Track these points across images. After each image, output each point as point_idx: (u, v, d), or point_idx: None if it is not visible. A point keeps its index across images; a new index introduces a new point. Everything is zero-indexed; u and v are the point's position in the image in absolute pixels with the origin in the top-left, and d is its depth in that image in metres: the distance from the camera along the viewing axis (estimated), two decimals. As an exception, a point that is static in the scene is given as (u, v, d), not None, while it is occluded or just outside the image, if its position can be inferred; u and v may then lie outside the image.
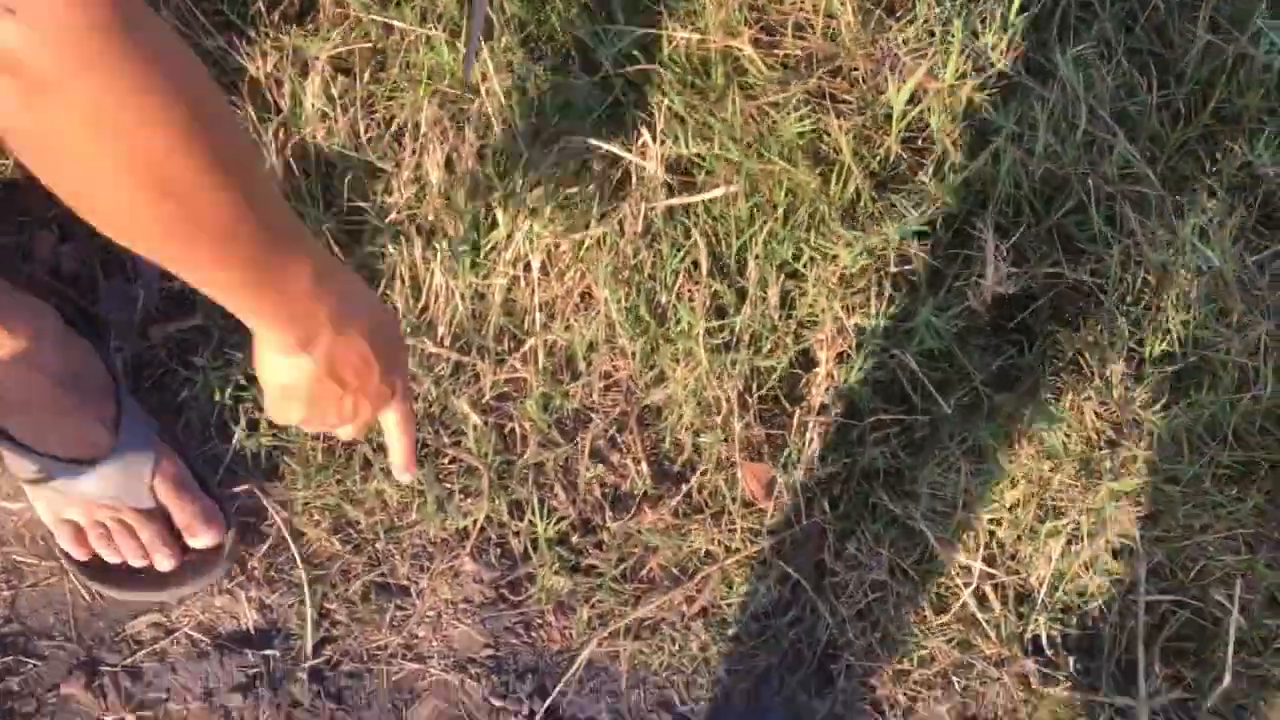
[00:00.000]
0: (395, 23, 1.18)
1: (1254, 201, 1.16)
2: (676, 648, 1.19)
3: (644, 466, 1.21)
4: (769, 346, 1.19)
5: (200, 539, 1.14)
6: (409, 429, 0.90)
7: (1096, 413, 1.12)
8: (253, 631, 1.15)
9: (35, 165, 0.56)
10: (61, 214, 1.21)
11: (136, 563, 1.14)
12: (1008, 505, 1.17)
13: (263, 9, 1.20)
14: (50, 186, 0.58)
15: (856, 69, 1.22)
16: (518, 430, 1.21)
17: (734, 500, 1.19)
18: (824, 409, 1.17)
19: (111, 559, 1.14)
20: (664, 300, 1.19)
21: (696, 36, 1.19)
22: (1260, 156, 1.18)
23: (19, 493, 1.15)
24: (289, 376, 0.77)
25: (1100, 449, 1.13)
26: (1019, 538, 1.19)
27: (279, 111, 1.20)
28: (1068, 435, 1.13)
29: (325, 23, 1.20)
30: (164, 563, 1.14)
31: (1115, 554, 1.18)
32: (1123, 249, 1.13)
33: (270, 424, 1.16)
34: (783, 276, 1.17)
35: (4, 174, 1.21)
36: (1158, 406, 1.11)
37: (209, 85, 0.60)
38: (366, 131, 1.19)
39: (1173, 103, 1.22)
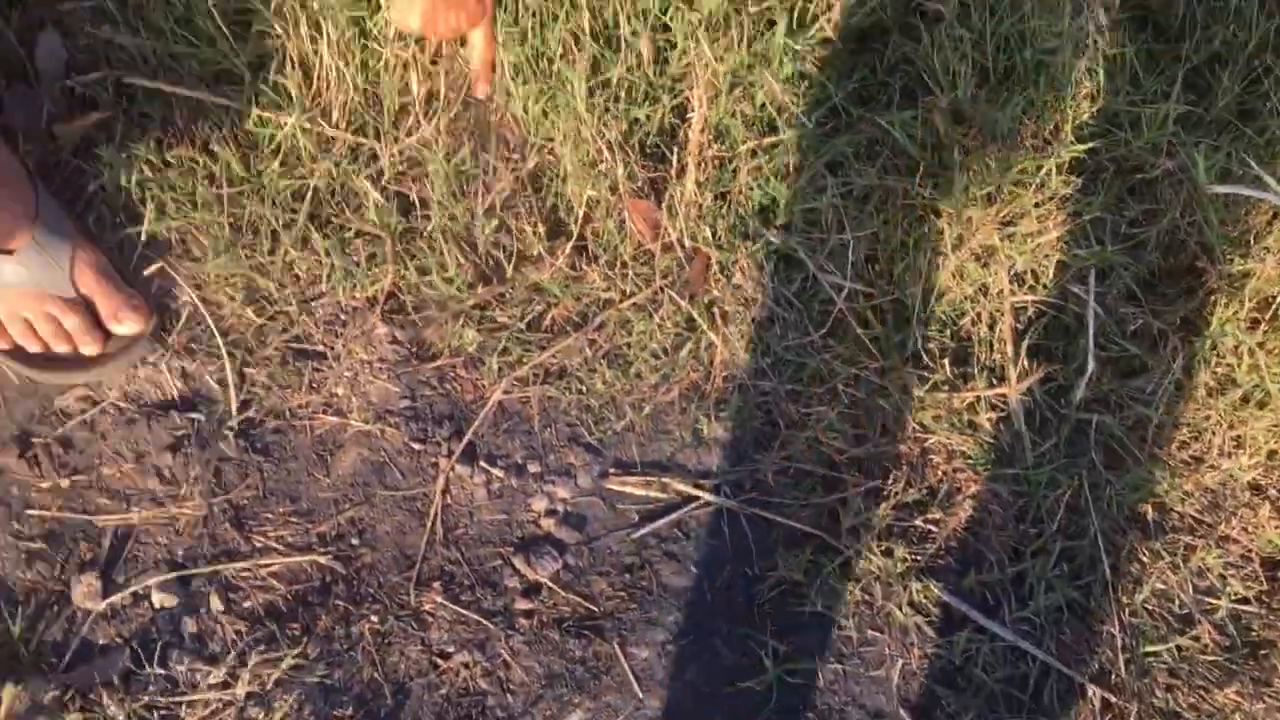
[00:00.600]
0: None
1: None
2: (583, 388, 1.26)
3: (539, 226, 1.28)
4: (646, 100, 1.26)
5: (125, 326, 1.19)
6: (490, 46, 1.18)
7: (945, 117, 1.20)
8: (177, 398, 1.21)
9: None
10: (-43, 32, 1.25)
11: (60, 349, 1.19)
12: (878, 223, 1.26)
13: None
14: None
15: None
16: (416, 201, 1.28)
17: (624, 244, 1.26)
18: (700, 148, 1.25)
19: (32, 348, 1.19)
20: (542, 66, 1.26)
21: None
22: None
23: (-61, 289, 1.20)
24: None
25: (951, 153, 1.22)
26: (892, 256, 1.28)
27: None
28: (921, 143, 1.22)
29: None
30: (89, 348, 1.19)
31: (979, 260, 1.28)
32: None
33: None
34: (652, 29, 1.25)
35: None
36: (1000, 104, 1.20)
37: None
38: (245, -76, 1.25)
39: None
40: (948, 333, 1.29)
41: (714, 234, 1.27)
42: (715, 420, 1.26)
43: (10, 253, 1.15)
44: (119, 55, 1.26)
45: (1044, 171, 1.23)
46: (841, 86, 1.24)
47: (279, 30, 1.24)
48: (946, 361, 1.27)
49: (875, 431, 1.27)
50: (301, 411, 1.22)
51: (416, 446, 1.22)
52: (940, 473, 1.27)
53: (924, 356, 1.28)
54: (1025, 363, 1.26)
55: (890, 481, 1.25)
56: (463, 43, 1.24)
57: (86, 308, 1.19)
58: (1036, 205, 1.25)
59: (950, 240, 1.26)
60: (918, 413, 1.27)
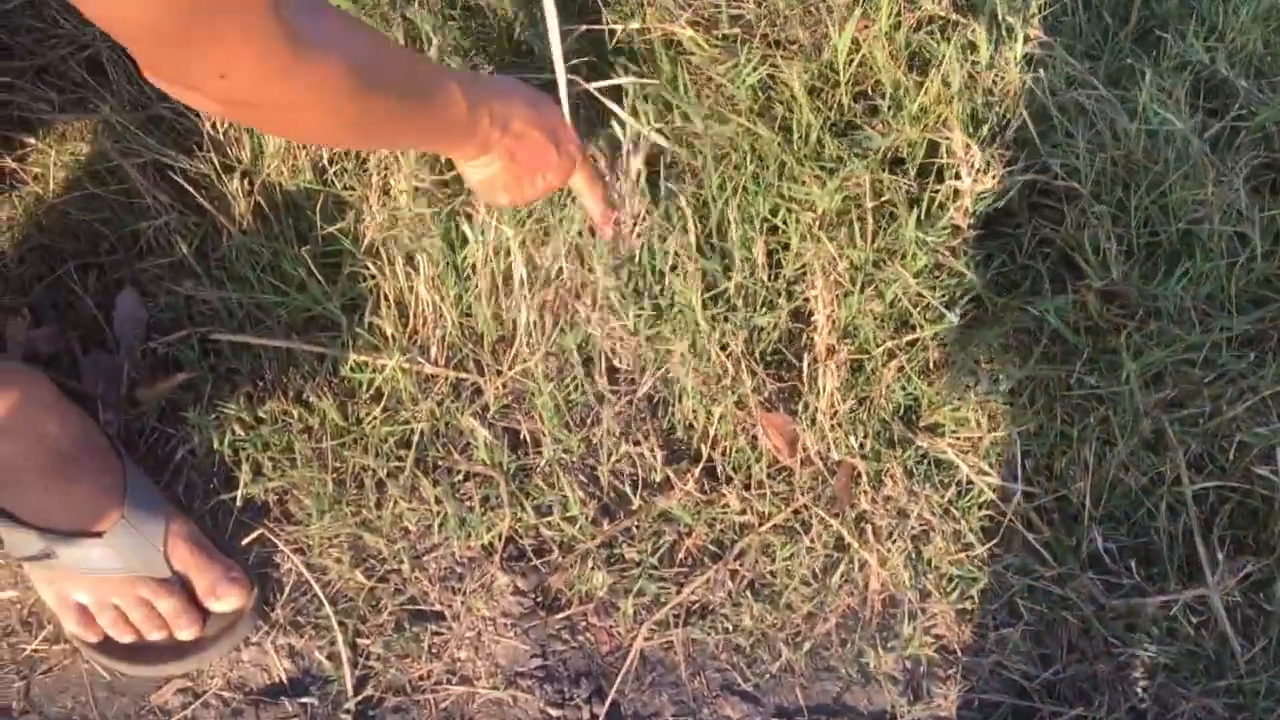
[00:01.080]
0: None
1: (1191, 82, 1.19)
2: (730, 626, 1.13)
3: (657, 451, 1.17)
4: (764, 306, 1.18)
5: (225, 602, 1.08)
6: (596, 187, 1.09)
7: (1099, 298, 1.11)
8: (286, 681, 1.08)
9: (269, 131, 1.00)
10: (30, 300, 1.19)
11: (154, 636, 1.07)
12: (1032, 417, 1.15)
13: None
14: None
15: (795, 40, 1.25)
16: (527, 436, 1.18)
17: (759, 460, 1.16)
18: (830, 352, 1.16)
19: (124, 639, 1.07)
20: (650, 282, 1.18)
21: (636, 25, 1.22)
22: (1192, 46, 1.23)
23: (16, 580, 1.09)
24: (485, 174, 0.98)
25: (1110, 336, 1.12)
26: (1050, 450, 1.17)
27: (239, 163, 1.21)
28: (1074, 328, 1.12)
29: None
30: (186, 633, 1.07)
31: (1151, 448, 1.16)
32: (1087, 142, 1.15)
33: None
34: (764, 232, 1.18)
35: (-30, 274, 1.19)
36: (1156, 283, 1.11)
37: (365, 38, 0.78)
38: (332, 164, 1.20)
39: (1099, 19, 1.27)
40: (1124, 529, 1.16)
41: (857, 443, 1.16)
42: (882, 651, 1.12)
43: (99, 535, 1.05)
44: (201, 310, 1.19)
45: (1210, 347, 1.13)
46: (980, 274, 1.15)
47: (372, 270, 1.17)
48: (1132, 563, 1.14)
49: (1063, 649, 1.13)
50: (423, 684, 1.09)
51: (554, 712, 1.09)
52: (1142, 691, 1.12)
53: (1104, 558, 1.15)
54: (1220, 557, 1.13)
55: (1092, 708, 1.10)
56: (572, 196, 1.16)
57: (182, 586, 1.08)
58: (1207, 384, 1.14)
59: (1116, 428, 1.15)
60: (1107, 624, 1.13)
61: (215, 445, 1.13)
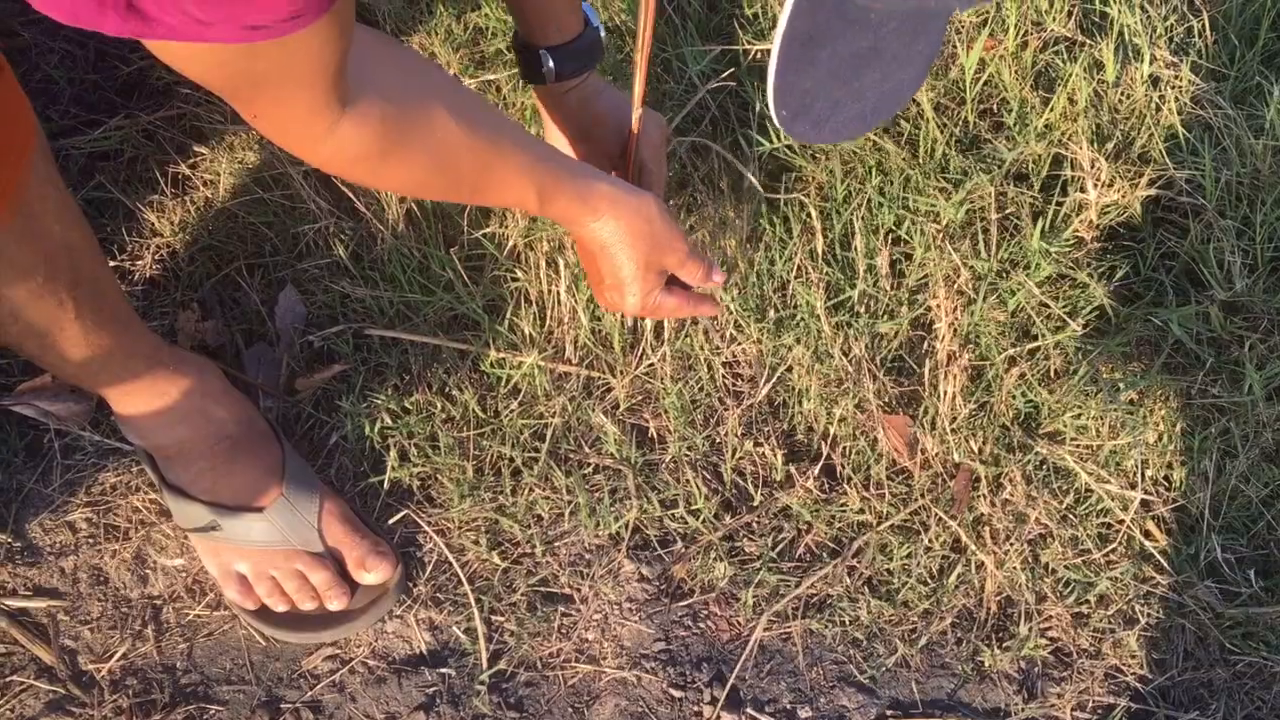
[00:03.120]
0: (490, 76, 1.28)
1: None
2: (848, 619, 1.17)
3: (778, 450, 1.22)
4: (886, 314, 1.22)
5: (372, 575, 1.15)
6: (700, 262, 1.02)
7: (1222, 310, 1.13)
8: (426, 653, 1.15)
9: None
10: (200, 296, 1.29)
11: (306, 606, 1.15)
12: (1154, 426, 1.17)
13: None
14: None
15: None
16: (654, 432, 1.24)
17: (878, 461, 1.20)
18: (952, 358, 1.19)
19: (279, 607, 1.15)
20: (772, 290, 1.23)
21: (767, 46, 1.28)
22: (1322, 65, 1.24)
23: (183, 550, 1.18)
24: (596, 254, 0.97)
25: (1233, 349, 1.14)
26: (1170, 461, 1.18)
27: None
28: (1197, 338, 1.14)
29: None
30: (336, 603, 1.15)
31: (1272, 460, 1.17)
32: (1213, 159, 1.17)
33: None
34: (889, 243, 1.22)
35: (144, 271, 1.30)
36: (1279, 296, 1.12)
37: (452, 89, 0.84)
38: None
39: (1227, 40, 1.29)
40: (1244, 540, 1.17)
41: (975, 448, 1.19)
42: (998, 650, 1.15)
43: (260, 510, 1.13)
44: (355, 308, 1.27)
45: (1336, 359, 1.14)
46: (1103, 286, 1.18)
47: (516, 273, 1.24)
48: (1252, 573, 1.15)
49: (1179, 656, 1.14)
50: (553, 660, 1.15)
51: (676, 694, 1.14)
52: (1259, 701, 1.13)
53: (1222, 568, 1.16)
54: (1341, 569, 1.13)
55: (1208, 713, 1.11)
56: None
57: (333, 560, 1.16)
58: (1332, 396, 1.15)
59: (1238, 439, 1.16)
60: (1224, 632, 1.14)
61: (366, 432, 1.21)
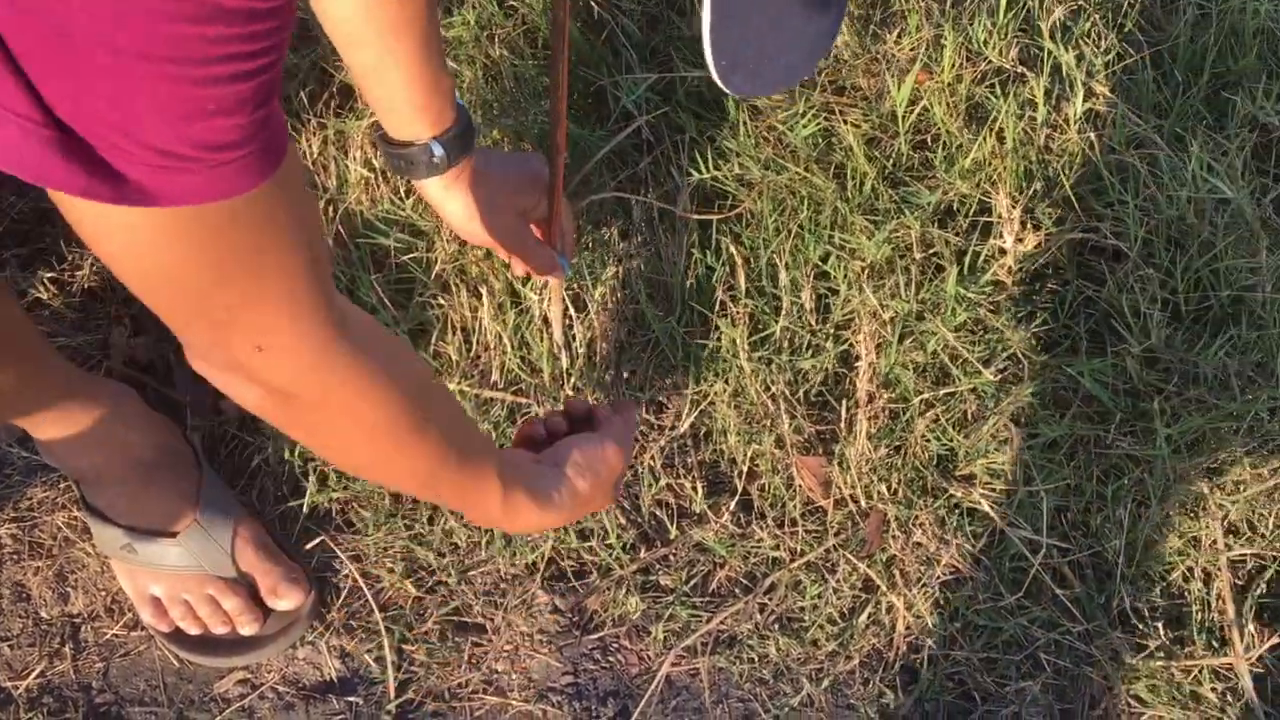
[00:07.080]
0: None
1: (1261, 146, 1.18)
2: (755, 657, 1.18)
3: (699, 484, 1.22)
4: (809, 350, 1.22)
5: (284, 601, 1.17)
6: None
7: (1138, 362, 1.12)
8: (335, 680, 1.17)
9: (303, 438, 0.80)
10: (133, 311, 1.30)
11: (219, 631, 1.17)
12: (1069, 474, 1.16)
13: (305, 100, 1.31)
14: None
15: (859, 86, 1.28)
16: (576, 462, 1.24)
17: (794, 498, 1.20)
18: (870, 399, 1.19)
19: (192, 631, 1.17)
20: (695, 323, 1.23)
21: (702, 73, 1.26)
22: (1263, 108, 1.21)
23: (103, 571, 1.20)
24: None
25: (1148, 400, 1.13)
26: (1086, 507, 1.18)
27: (325, 191, 1.29)
28: (1114, 390, 1.13)
29: (362, 105, 1.31)
30: (247, 629, 1.17)
31: (1187, 512, 1.16)
32: (1139, 205, 1.16)
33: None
34: (813, 278, 1.21)
35: (82, 283, 1.31)
36: (1198, 349, 1.11)
37: (411, 358, 0.81)
38: (408, 196, 1.27)
39: (1171, 76, 1.27)
40: (1157, 590, 1.17)
41: (889, 488, 1.19)
42: (902, 693, 1.16)
43: (174, 535, 1.15)
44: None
45: (1253, 415, 1.12)
46: (1019, 333, 1.17)
47: (441, 300, 1.25)
48: (1160, 624, 1.14)
49: (1084, 705, 1.14)
50: (461, 691, 1.16)
51: (580, 728, 1.15)
52: (1162, 753, 1.13)
53: (1132, 617, 1.15)
54: (1251, 626, 1.13)
55: (1106, 766, 1.11)
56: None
57: (247, 585, 1.17)
58: (1248, 452, 1.14)
59: (1153, 490, 1.15)
60: (1131, 683, 1.14)
61: (286, 455, 1.22)
